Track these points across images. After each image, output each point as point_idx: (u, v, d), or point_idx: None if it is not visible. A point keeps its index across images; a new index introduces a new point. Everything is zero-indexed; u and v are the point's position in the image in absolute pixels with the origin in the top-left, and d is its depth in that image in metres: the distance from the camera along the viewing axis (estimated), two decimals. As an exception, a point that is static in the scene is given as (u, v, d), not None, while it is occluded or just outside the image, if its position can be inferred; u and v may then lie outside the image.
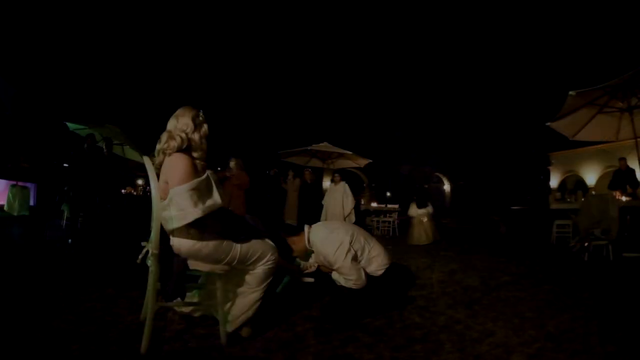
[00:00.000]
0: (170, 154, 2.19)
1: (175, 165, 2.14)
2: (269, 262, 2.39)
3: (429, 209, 8.08)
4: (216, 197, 2.16)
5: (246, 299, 2.37)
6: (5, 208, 10.47)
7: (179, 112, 2.31)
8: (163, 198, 2.14)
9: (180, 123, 2.25)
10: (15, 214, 10.18)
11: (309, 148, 8.86)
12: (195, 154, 2.25)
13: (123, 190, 7.86)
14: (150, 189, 2.29)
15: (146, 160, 2.21)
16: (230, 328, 2.30)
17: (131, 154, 8.56)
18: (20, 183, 11.00)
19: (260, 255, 2.35)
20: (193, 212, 2.04)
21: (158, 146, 2.24)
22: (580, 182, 20.64)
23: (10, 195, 10.49)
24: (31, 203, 11.29)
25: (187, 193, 2.04)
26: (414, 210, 8.17)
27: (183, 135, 2.21)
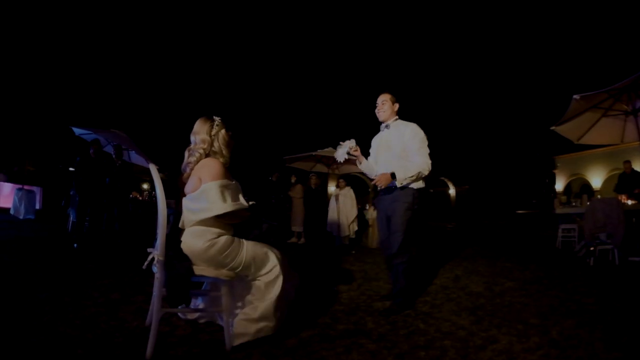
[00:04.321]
0: (193, 167, 2.40)
1: (209, 164, 2.35)
2: (274, 271, 2.42)
3: None
4: (242, 201, 2.38)
5: (252, 307, 2.38)
6: (11, 212, 10.57)
7: (195, 128, 2.49)
8: (194, 191, 2.32)
9: (198, 140, 2.44)
10: (21, 217, 10.26)
11: (313, 153, 8.84)
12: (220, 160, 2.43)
13: (129, 195, 7.89)
14: (155, 194, 2.34)
15: (152, 168, 2.25)
16: (237, 341, 2.30)
17: (136, 159, 8.59)
18: (26, 187, 11.12)
19: (265, 263, 2.40)
20: (223, 207, 2.23)
21: (184, 161, 2.47)
22: (586, 185, 20.53)
23: (16, 198, 10.59)
24: (37, 206, 11.40)
25: (219, 189, 2.25)
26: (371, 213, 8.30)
27: (201, 151, 2.42)
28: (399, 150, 3.23)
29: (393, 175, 3.09)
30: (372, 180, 3.31)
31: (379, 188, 3.25)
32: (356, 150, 3.30)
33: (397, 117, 3.40)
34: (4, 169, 12.97)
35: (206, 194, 2.23)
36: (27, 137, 19.63)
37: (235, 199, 2.32)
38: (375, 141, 3.53)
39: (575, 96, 5.70)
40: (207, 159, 2.39)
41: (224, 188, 2.27)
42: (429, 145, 3.25)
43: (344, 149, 3.26)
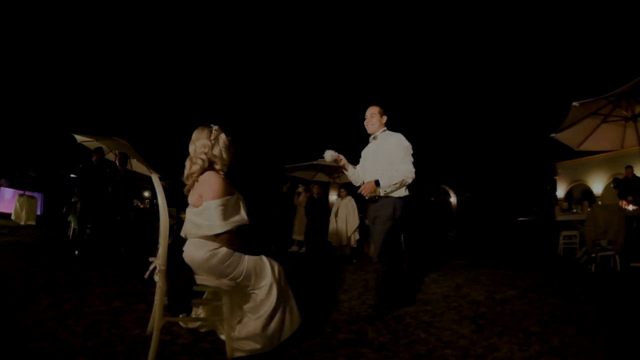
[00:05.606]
0: (197, 178, 2.38)
1: (209, 181, 2.34)
2: (271, 285, 2.40)
3: None
4: (243, 215, 2.38)
5: (251, 318, 2.38)
6: (13, 217, 10.57)
7: (194, 136, 2.46)
8: (197, 207, 2.36)
9: (198, 146, 2.42)
10: (22, 223, 10.26)
11: (314, 162, 8.83)
12: (217, 167, 2.43)
13: (132, 203, 7.89)
14: (157, 202, 2.36)
15: (154, 177, 2.27)
16: (236, 354, 2.30)
17: (138, 166, 8.60)
18: (27, 192, 11.12)
19: (265, 274, 2.40)
20: (222, 225, 2.25)
21: (185, 172, 2.44)
22: (587, 191, 20.49)
23: (18, 204, 10.59)
24: (38, 212, 11.39)
25: (218, 208, 2.25)
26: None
27: (203, 157, 2.39)
28: (386, 160, 3.30)
29: (377, 183, 3.16)
30: (357, 188, 3.40)
31: (365, 197, 3.31)
32: (340, 160, 3.38)
33: (385, 128, 3.49)
34: (6, 174, 12.98)
35: (207, 212, 2.25)
36: (29, 143, 19.71)
37: (235, 214, 2.33)
38: (364, 152, 3.61)
39: (574, 103, 5.72)
40: (208, 173, 2.38)
41: (224, 207, 2.28)
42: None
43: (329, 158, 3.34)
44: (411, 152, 3.32)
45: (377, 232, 3.26)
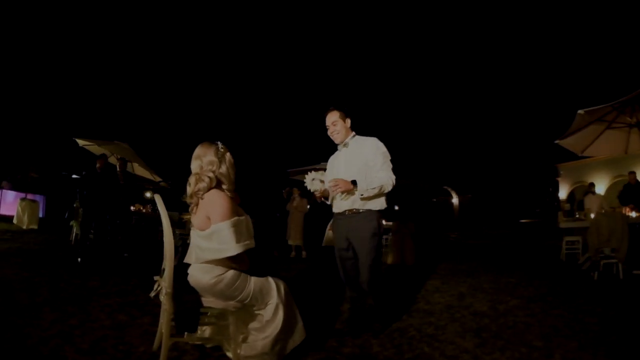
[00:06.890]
0: (202, 196, 2.29)
1: (216, 201, 2.25)
2: (276, 305, 2.39)
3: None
4: (251, 239, 2.30)
5: (257, 337, 2.38)
6: (15, 221, 10.57)
7: (199, 152, 2.37)
8: (202, 229, 2.25)
9: (205, 163, 2.33)
10: (24, 227, 10.26)
11: (317, 166, 8.81)
12: (224, 186, 2.35)
13: (132, 207, 7.88)
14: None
15: (157, 198, 2.25)
16: None
17: (140, 171, 8.62)
18: (29, 196, 11.12)
19: (271, 294, 2.39)
20: (235, 247, 2.16)
21: (189, 189, 2.32)
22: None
23: (20, 208, 10.59)
24: (40, 215, 11.39)
25: (231, 229, 2.17)
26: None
27: (211, 174, 2.30)
28: (361, 167, 3.02)
29: (354, 183, 2.91)
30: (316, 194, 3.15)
31: (334, 193, 3.01)
32: (316, 191, 3.07)
33: (353, 133, 3.18)
34: (8, 176, 12.99)
35: (217, 235, 2.16)
36: (31, 145, 19.75)
37: (245, 238, 2.25)
38: (332, 162, 3.30)
39: (579, 111, 5.75)
40: (214, 192, 2.29)
41: (236, 227, 2.19)
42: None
43: (316, 182, 3.09)
44: (389, 157, 3.06)
45: (363, 253, 3.01)
